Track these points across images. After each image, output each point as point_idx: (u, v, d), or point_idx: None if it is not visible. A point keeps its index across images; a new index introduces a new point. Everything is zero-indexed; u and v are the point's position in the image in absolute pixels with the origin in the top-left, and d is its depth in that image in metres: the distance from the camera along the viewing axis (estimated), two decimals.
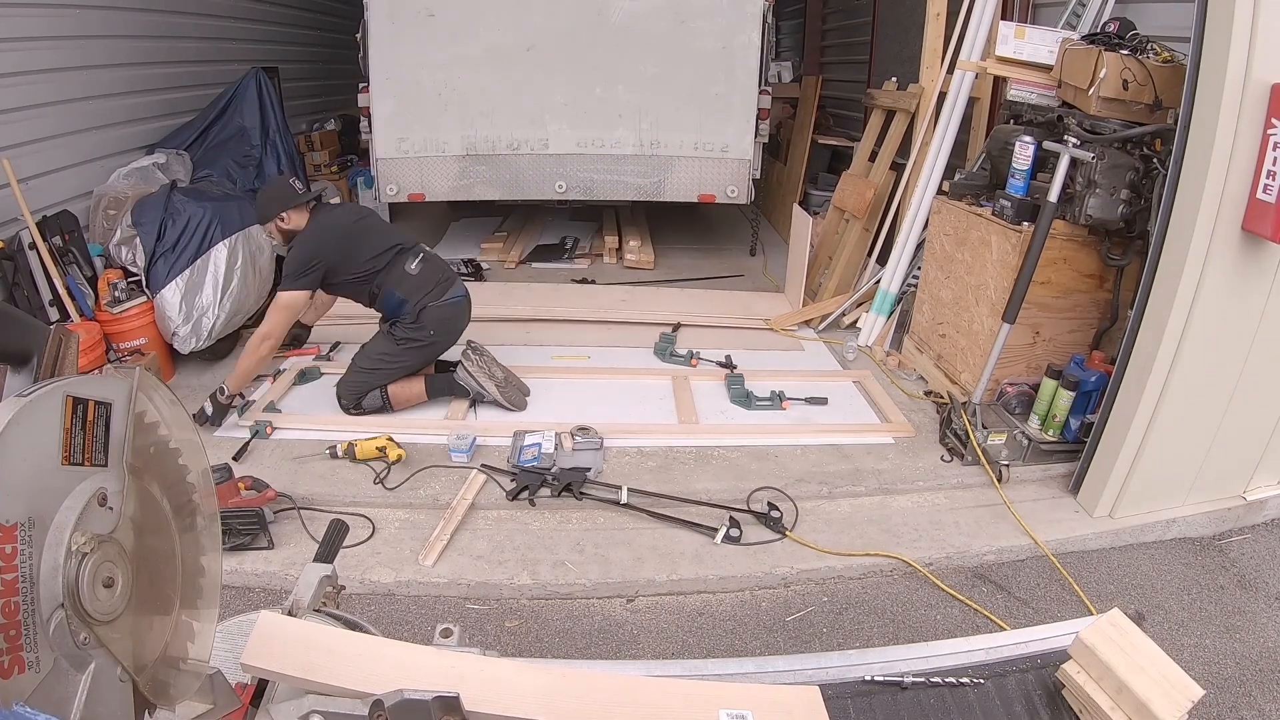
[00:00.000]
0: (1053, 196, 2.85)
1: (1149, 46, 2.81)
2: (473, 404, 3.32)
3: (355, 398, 3.17)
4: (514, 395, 3.30)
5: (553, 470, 2.83)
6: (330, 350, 3.89)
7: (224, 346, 3.79)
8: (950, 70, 3.89)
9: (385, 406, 3.20)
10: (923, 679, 1.02)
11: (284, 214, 3.07)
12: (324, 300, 3.57)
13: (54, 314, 3.28)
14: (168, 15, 4.57)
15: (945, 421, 3.14)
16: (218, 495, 0.85)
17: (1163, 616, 2.41)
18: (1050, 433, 2.98)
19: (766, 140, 5.08)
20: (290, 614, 0.89)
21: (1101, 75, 2.73)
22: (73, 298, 3.33)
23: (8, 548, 0.55)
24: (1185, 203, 2.38)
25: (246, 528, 2.47)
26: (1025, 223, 2.97)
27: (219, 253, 3.61)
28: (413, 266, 3.16)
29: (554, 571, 2.48)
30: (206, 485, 0.81)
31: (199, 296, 3.55)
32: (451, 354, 3.37)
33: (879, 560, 2.57)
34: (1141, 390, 2.55)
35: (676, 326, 4.25)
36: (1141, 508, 2.63)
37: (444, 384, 3.30)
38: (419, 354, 3.24)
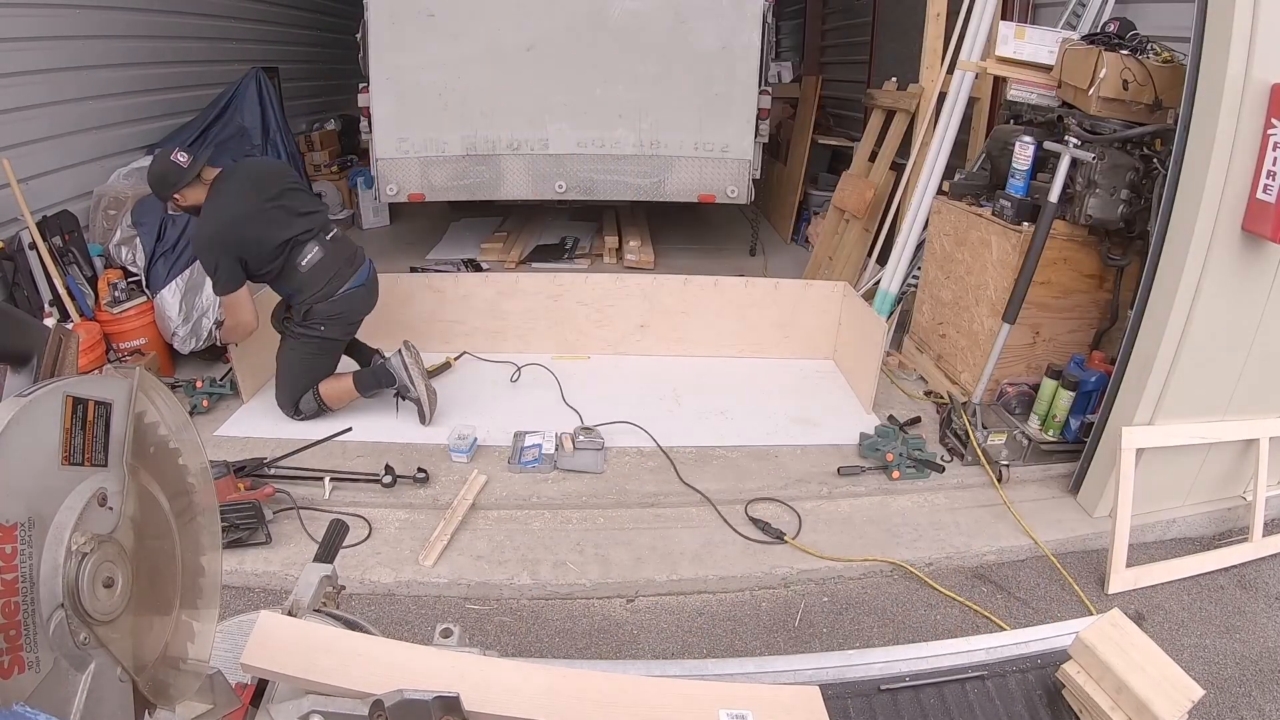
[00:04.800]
0: (1053, 196, 2.85)
1: (1149, 46, 2.81)
2: (398, 396, 3.18)
3: (291, 405, 3.13)
4: (432, 406, 3.17)
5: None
6: None
7: (222, 347, 3.79)
8: (950, 70, 3.89)
9: (321, 408, 3.14)
10: (923, 679, 1.02)
11: (176, 194, 2.82)
12: None
13: (54, 314, 3.28)
14: (167, 15, 4.57)
15: (945, 421, 3.14)
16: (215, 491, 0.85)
17: (1163, 616, 2.41)
18: (1050, 433, 2.98)
19: (766, 140, 5.06)
20: (290, 614, 0.89)
21: (1101, 75, 2.73)
22: (73, 298, 3.33)
23: (8, 548, 0.55)
24: (1185, 203, 2.38)
25: (244, 522, 2.47)
26: (1025, 223, 2.97)
27: None
28: (305, 262, 2.94)
29: (554, 571, 2.48)
30: (206, 484, 0.81)
31: (198, 297, 3.55)
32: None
33: (879, 561, 2.57)
34: (1141, 390, 2.55)
35: None
36: (1141, 508, 2.62)
37: (370, 379, 3.15)
38: (318, 353, 3.12)
